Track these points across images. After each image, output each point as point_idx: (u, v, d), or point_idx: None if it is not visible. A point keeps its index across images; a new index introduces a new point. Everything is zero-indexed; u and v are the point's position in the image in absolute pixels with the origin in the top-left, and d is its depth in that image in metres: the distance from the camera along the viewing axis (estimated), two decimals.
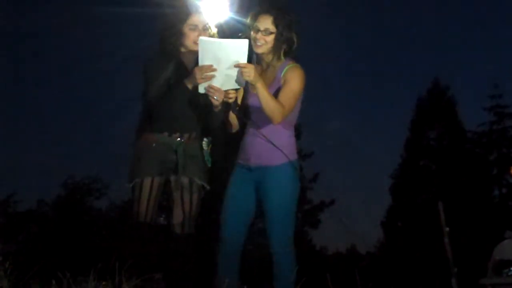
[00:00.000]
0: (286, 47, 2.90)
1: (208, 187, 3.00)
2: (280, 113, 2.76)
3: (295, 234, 2.99)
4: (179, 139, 2.92)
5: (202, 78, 2.69)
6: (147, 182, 2.86)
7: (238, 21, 3.01)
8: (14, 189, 21.12)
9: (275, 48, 2.88)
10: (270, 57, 2.91)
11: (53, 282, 2.46)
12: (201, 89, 2.75)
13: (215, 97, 2.75)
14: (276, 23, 2.85)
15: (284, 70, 2.90)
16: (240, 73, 2.68)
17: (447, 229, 6.15)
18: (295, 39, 2.90)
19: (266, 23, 2.85)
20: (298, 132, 21.24)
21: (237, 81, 2.74)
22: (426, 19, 36.69)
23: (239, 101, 2.96)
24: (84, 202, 20.79)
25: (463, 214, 17.07)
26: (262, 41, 2.84)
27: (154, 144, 2.89)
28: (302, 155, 21.13)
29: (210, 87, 2.73)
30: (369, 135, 34.50)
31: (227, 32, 3.04)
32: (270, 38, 2.85)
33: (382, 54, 36.90)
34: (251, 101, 2.91)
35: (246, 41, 2.67)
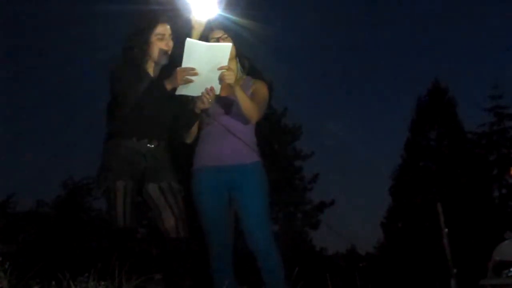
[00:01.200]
0: (251, 69, 3.13)
1: (183, 193, 2.94)
2: (257, 113, 2.96)
3: (295, 235, 3.01)
4: (148, 145, 2.89)
5: (183, 80, 2.70)
6: (119, 185, 2.79)
7: (227, 18, 3.04)
8: (14, 189, 21.15)
9: (236, 55, 3.07)
10: (232, 65, 3.00)
11: (53, 282, 2.46)
12: (179, 91, 2.76)
13: (209, 100, 2.80)
14: (228, 32, 3.05)
15: (252, 81, 3.09)
16: (219, 77, 2.74)
17: (446, 230, 6.16)
18: (249, 53, 3.14)
19: (219, 33, 3.03)
20: (298, 133, 21.30)
21: (213, 86, 2.77)
22: (426, 19, 36.71)
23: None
24: (84, 202, 20.79)
25: (463, 215, 17.07)
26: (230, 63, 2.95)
27: (122, 149, 2.85)
28: (302, 155, 21.19)
29: (209, 90, 2.76)
30: (369, 136, 34.52)
31: (215, 29, 3.06)
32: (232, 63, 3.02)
33: (382, 54, 36.92)
34: (221, 104, 3.01)
35: (229, 45, 2.73)
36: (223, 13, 3.03)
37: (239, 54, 3.10)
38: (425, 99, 22.19)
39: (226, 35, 3.04)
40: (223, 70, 2.72)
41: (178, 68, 2.70)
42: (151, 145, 2.90)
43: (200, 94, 2.79)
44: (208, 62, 2.69)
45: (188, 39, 2.69)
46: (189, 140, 3.10)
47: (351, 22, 34.33)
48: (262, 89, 3.09)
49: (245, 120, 2.97)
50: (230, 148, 2.96)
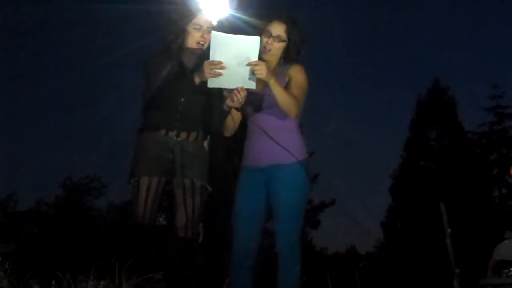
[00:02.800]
0: (290, 56, 2.93)
1: (210, 189, 2.94)
2: (296, 106, 2.78)
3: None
4: (175, 137, 2.88)
5: (211, 73, 2.64)
6: (144, 181, 2.82)
7: (238, 18, 3.01)
8: (14, 189, 21.14)
9: (281, 56, 2.92)
10: (273, 63, 2.92)
11: (53, 281, 2.46)
12: (210, 84, 2.71)
13: (240, 100, 2.71)
14: (288, 33, 2.88)
15: (286, 69, 2.90)
16: (252, 72, 2.63)
17: (449, 230, 6.15)
18: (301, 53, 2.94)
19: (280, 30, 2.88)
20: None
21: (246, 80, 2.68)
22: (427, 19, 36.70)
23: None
24: (84, 201, 20.80)
25: (463, 215, 17.06)
26: (271, 47, 2.85)
27: (151, 143, 2.85)
28: None
29: (240, 89, 2.69)
30: (369, 135, 34.49)
31: (226, 29, 3.02)
32: (280, 46, 2.89)
33: (382, 54, 36.92)
34: (251, 102, 2.87)
35: (258, 38, 2.64)
36: (234, 13, 3.02)
37: (290, 46, 2.92)
38: (425, 98, 22.19)
39: (284, 37, 2.89)
40: (253, 65, 2.61)
41: (205, 62, 2.66)
42: (180, 138, 2.88)
43: (233, 87, 2.71)
44: (236, 54, 2.62)
45: (213, 32, 2.64)
46: (227, 133, 3.03)
47: (351, 22, 34.35)
48: (299, 75, 2.89)
49: (282, 115, 2.81)
50: (265, 149, 2.87)
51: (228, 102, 2.76)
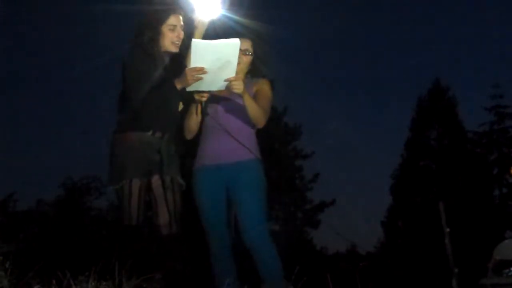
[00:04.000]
0: (254, 68, 3.17)
1: (184, 186, 2.98)
2: (265, 117, 3.01)
3: (296, 234, 3.02)
4: (160, 138, 2.90)
5: (193, 79, 2.73)
6: (135, 183, 2.81)
7: (230, 19, 3.04)
8: (14, 189, 21.16)
9: (247, 69, 3.13)
10: (242, 77, 3.01)
11: (54, 281, 2.46)
12: (189, 88, 2.81)
13: (203, 99, 2.90)
14: (254, 47, 3.12)
15: (254, 81, 3.13)
16: (229, 86, 2.80)
17: (448, 229, 6.15)
18: (266, 65, 3.19)
19: (247, 44, 3.09)
20: (298, 132, 21.31)
21: (222, 83, 2.81)
22: (427, 19, 36.70)
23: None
24: (84, 201, 20.79)
25: (463, 214, 17.06)
26: (240, 60, 2.95)
27: (137, 144, 2.85)
28: (302, 155, 21.19)
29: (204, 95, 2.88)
30: (369, 135, 34.48)
31: (218, 29, 3.07)
32: (248, 59, 3.11)
33: (382, 54, 36.90)
34: (219, 103, 3.05)
35: (237, 41, 2.71)
36: (226, 13, 3.04)
37: (256, 60, 3.16)
38: (425, 98, 22.20)
39: (250, 51, 3.11)
40: (233, 66, 2.74)
41: (187, 69, 2.73)
42: (164, 138, 2.91)
43: (214, 89, 2.86)
44: (217, 59, 2.70)
45: (193, 40, 2.71)
46: (189, 136, 3.13)
47: (351, 21, 34.33)
48: (266, 87, 3.12)
49: (244, 118, 2.99)
50: (227, 147, 3.00)
51: (198, 99, 2.93)
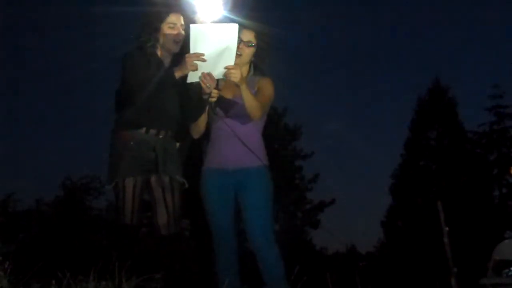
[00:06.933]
0: (258, 62, 3.08)
1: (187, 185, 2.94)
2: (260, 110, 2.91)
3: (296, 234, 3.01)
4: (155, 135, 2.87)
5: (193, 65, 2.67)
6: (129, 182, 2.80)
7: (232, 20, 3.02)
8: (14, 189, 21.14)
9: (250, 63, 3.05)
10: (244, 71, 2.99)
11: (53, 281, 2.46)
12: (190, 79, 2.74)
13: (208, 84, 2.78)
14: (257, 39, 3.02)
15: (257, 79, 3.06)
16: (226, 74, 2.75)
17: (447, 229, 6.16)
18: (268, 58, 3.10)
19: (249, 36, 3.00)
20: (298, 133, 21.31)
21: (221, 71, 2.75)
22: (427, 19, 36.70)
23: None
24: (84, 201, 20.77)
25: (463, 214, 17.06)
26: (242, 52, 2.93)
27: (131, 142, 2.82)
28: (302, 155, 21.20)
29: (205, 75, 2.74)
30: (369, 135, 34.51)
31: (244, 30, 3.04)
32: (250, 51, 3.01)
33: (382, 54, 36.91)
34: (227, 106, 2.97)
35: (236, 25, 2.66)
36: (228, 15, 3.03)
37: (259, 52, 3.07)
38: (425, 98, 22.19)
39: (253, 43, 3.01)
40: (232, 52, 2.69)
41: (186, 55, 2.67)
42: (160, 136, 2.88)
43: (215, 79, 2.77)
44: (216, 44, 2.64)
45: (191, 25, 2.65)
46: (196, 135, 3.08)
47: (351, 21, 34.32)
48: (268, 86, 3.07)
49: (248, 119, 2.94)
50: (234, 152, 2.95)
51: (205, 89, 2.81)
